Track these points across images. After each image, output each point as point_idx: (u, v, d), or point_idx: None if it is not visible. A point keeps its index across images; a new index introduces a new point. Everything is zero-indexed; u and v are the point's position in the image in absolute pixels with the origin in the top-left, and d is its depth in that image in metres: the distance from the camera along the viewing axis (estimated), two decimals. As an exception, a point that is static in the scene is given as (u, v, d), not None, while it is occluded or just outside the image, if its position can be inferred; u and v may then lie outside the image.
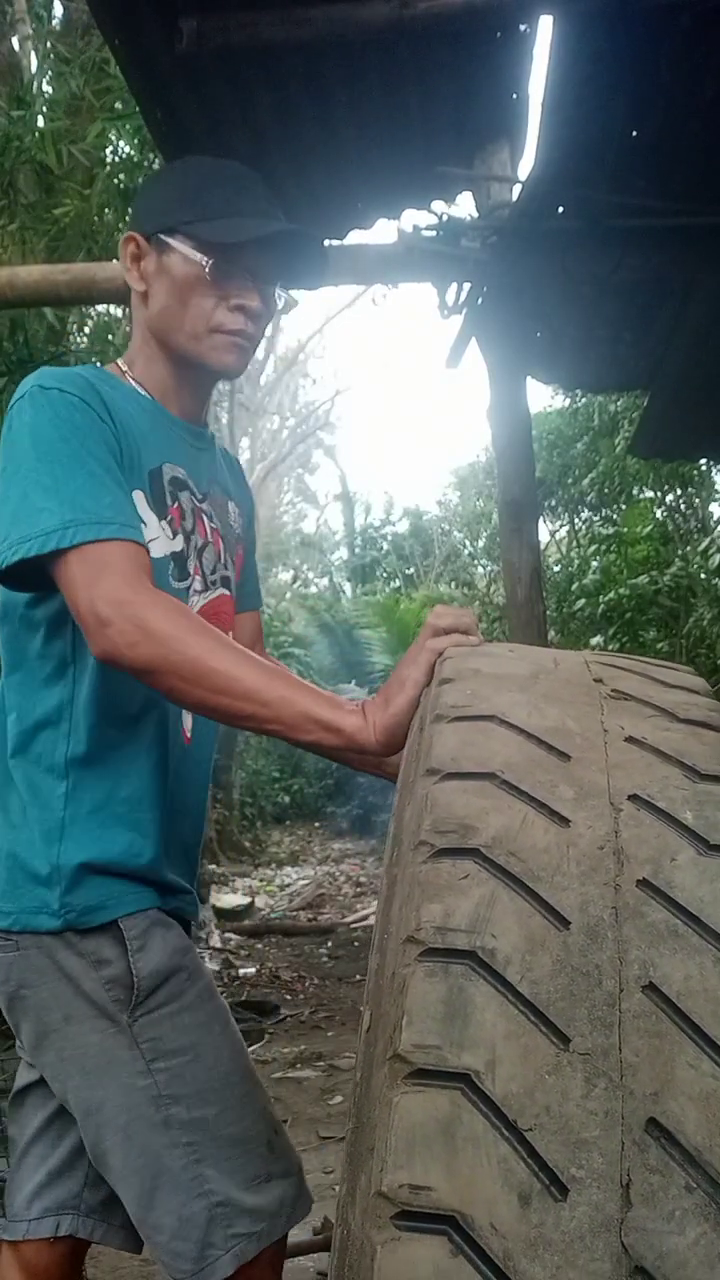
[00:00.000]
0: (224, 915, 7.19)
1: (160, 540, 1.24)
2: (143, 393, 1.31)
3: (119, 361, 1.35)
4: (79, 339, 7.03)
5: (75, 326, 6.96)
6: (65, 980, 1.19)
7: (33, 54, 7.43)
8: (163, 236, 1.27)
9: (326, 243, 1.34)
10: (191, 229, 1.25)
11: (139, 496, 1.22)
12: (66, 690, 1.22)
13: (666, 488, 11.03)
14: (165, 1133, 1.17)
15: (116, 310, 6.74)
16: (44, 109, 6.78)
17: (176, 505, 1.28)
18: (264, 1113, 1.26)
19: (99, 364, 1.35)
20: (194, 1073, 1.20)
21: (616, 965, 0.60)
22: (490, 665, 0.86)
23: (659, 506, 11.31)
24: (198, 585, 1.31)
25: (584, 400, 11.18)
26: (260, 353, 20.05)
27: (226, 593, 1.38)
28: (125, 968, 1.18)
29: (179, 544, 1.28)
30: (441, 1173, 0.54)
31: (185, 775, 1.31)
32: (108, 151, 6.98)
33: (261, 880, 9.25)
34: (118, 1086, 1.19)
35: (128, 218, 1.31)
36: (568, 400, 11.50)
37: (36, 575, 1.14)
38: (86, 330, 7.20)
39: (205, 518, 1.34)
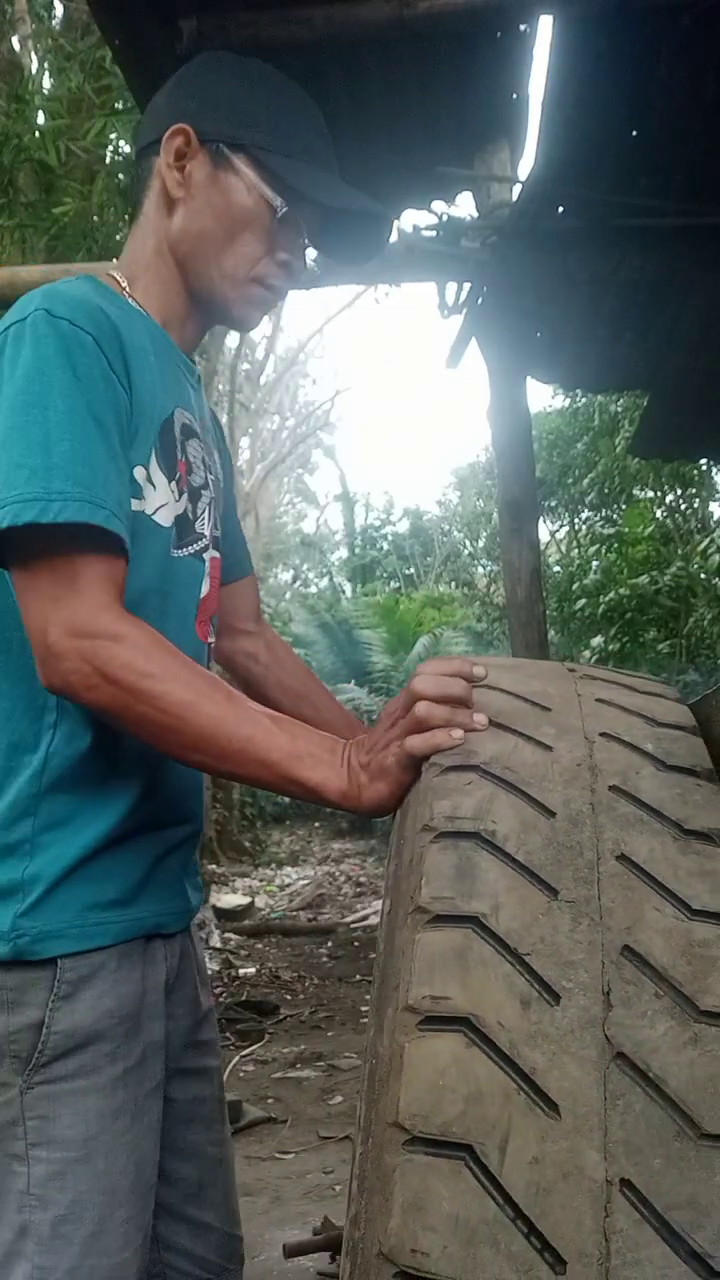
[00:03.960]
0: (224, 915, 7.19)
1: (168, 506, 1.07)
2: (147, 315, 1.12)
3: (115, 274, 1.13)
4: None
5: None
6: None
7: (33, 54, 7.43)
8: (225, 148, 1.08)
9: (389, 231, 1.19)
10: (269, 160, 1.07)
11: (153, 454, 1.05)
12: None
13: (666, 488, 11.04)
14: (16, 1241, 0.96)
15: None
16: (44, 105, 6.79)
17: (185, 459, 1.11)
18: (144, 1248, 1.02)
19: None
20: (78, 1177, 0.97)
21: (594, 842, 0.73)
22: (477, 660, 0.99)
23: (659, 506, 11.32)
24: (209, 544, 1.15)
25: (584, 400, 11.18)
26: (260, 353, 20.09)
27: (218, 554, 1.19)
28: (39, 1018, 0.97)
29: (183, 505, 1.10)
30: (457, 986, 0.65)
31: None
32: (108, 150, 6.98)
33: (261, 880, 9.25)
34: None
35: (160, 101, 1.13)
36: (568, 400, 11.51)
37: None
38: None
39: (207, 468, 1.17)
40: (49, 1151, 0.96)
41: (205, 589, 1.14)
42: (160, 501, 1.06)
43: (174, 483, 1.08)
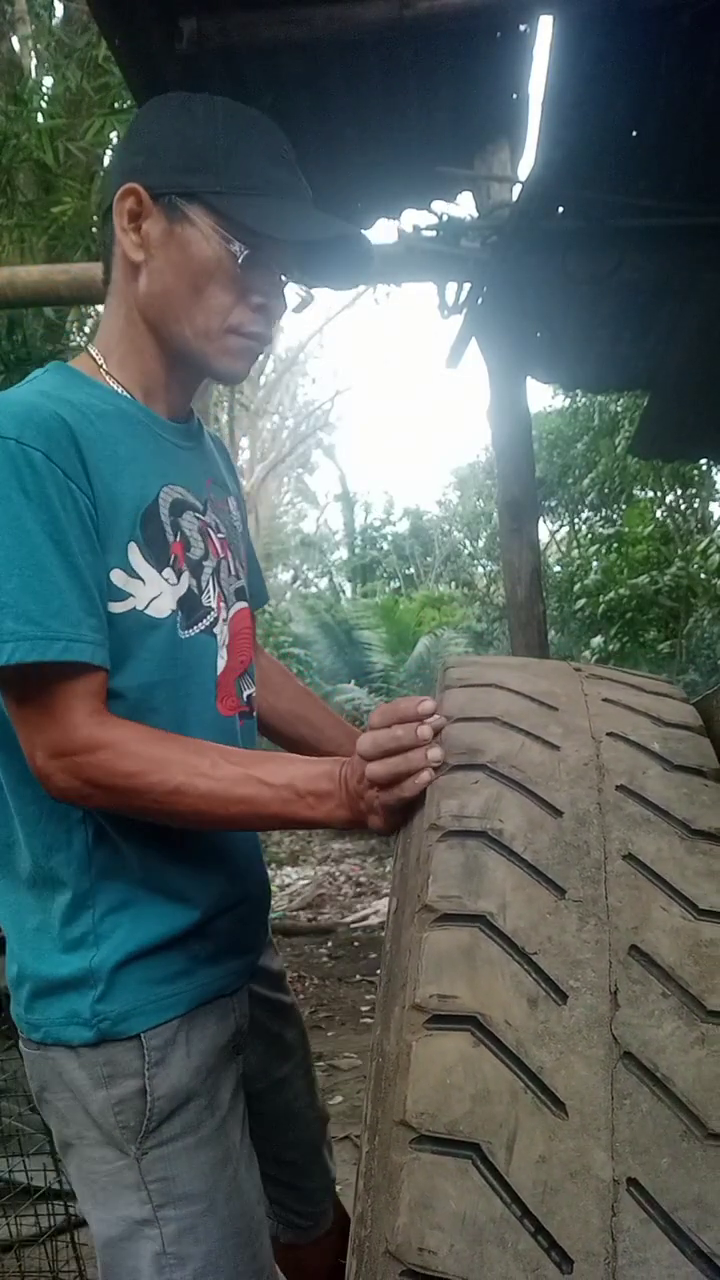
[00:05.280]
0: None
1: (164, 596, 1.05)
2: (123, 393, 1.09)
3: (92, 350, 1.11)
4: (78, 337, 7.02)
5: (74, 325, 6.96)
6: (73, 1096, 1.04)
7: (32, 54, 7.43)
8: (179, 201, 1.02)
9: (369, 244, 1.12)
10: (223, 204, 1.01)
11: (133, 550, 1.03)
12: None
13: (666, 488, 11.03)
14: None
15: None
16: (43, 104, 6.78)
17: (179, 538, 1.08)
18: (267, 1275, 1.08)
19: (67, 359, 1.11)
20: (207, 1228, 1.01)
21: (601, 841, 0.73)
22: (484, 660, 1.01)
23: (659, 506, 11.32)
24: (220, 614, 1.13)
25: (584, 400, 11.19)
26: (260, 352, 20.01)
27: (243, 605, 1.20)
28: (140, 1087, 1.01)
29: (184, 585, 1.08)
30: (464, 985, 0.66)
31: None
32: (107, 150, 6.98)
33: (261, 880, 9.23)
34: (124, 1228, 1.02)
35: (112, 159, 1.11)
36: (568, 400, 11.50)
37: None
38: (86, 328, 7.20)
39: (213, 532, 1.14)
40: (176, 1209, 1.01)
41: (223, 663, 1.13)
42: (153, 593, 1.04)
43: (168, 569, 1.06)
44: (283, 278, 1.08)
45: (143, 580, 1.03)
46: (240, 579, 1.21)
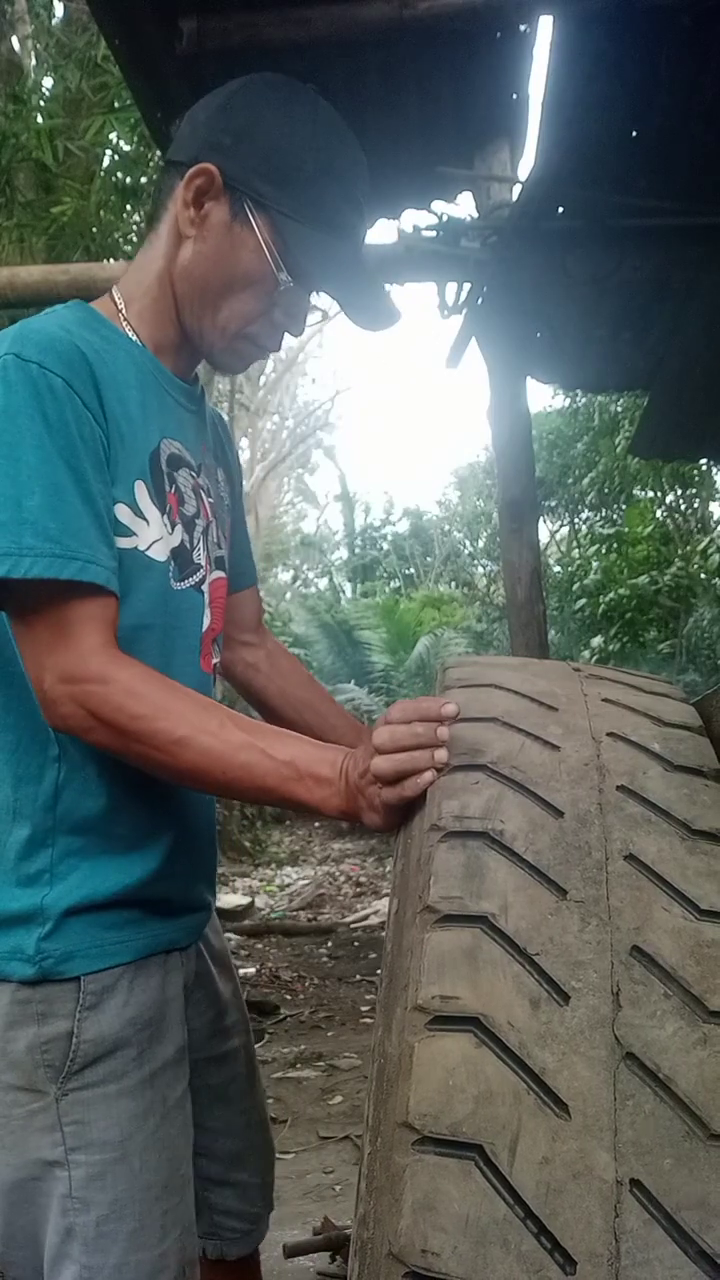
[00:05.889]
0: (224, 915, 7.18)
1: (162, 540, 1.06)
2: (138, 342, 1.10)
3: (114, 295, 1.13)
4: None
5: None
6: (2, 1029, 1.03)
7: (32, 54, 7.43)
8: (248, 203, 1.04)
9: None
10: (288, 229, 1.04)
11: (140, 488, 1.04)
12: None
13: (666, 488, 11.04)
14: (63, 1244, 1.00)
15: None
16: (42, 104, 6.79)
17: (174, 490, 1.09)
18: (183, 1238, 1.06)
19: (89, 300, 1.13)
20: (116, 1177, 1.01)
21: (602, 842, 0.74)
22: (483, 660, 1.01)
23: (659, 506, 11.33)
24: (207, 573, 1.15)
25: (584, 400, 11.19)
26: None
27: (222, 574, 1.21)
28: (68, 1029, 1.01)
29: (178, 537, 1.09)
30: (466, 986, 0.66)
31: None
32: (107, 151, 6.98)
33: (261, 880, 9.24)
34: (33, 1170, 1.01)
35: (199, 115, 1.09)
36: (568, 400, 11.51)
37: None
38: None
39: (204, 494, 1.16)
40: (87, 1155, 1.00)
41: (207, 620, 1.15)
42: (155, 536, 1.06)
43: (165, 516, 1.07)
44: (309, 303, 1.12)
45: (146, 521, 1.05)
46: (222, 549, 1.22)
